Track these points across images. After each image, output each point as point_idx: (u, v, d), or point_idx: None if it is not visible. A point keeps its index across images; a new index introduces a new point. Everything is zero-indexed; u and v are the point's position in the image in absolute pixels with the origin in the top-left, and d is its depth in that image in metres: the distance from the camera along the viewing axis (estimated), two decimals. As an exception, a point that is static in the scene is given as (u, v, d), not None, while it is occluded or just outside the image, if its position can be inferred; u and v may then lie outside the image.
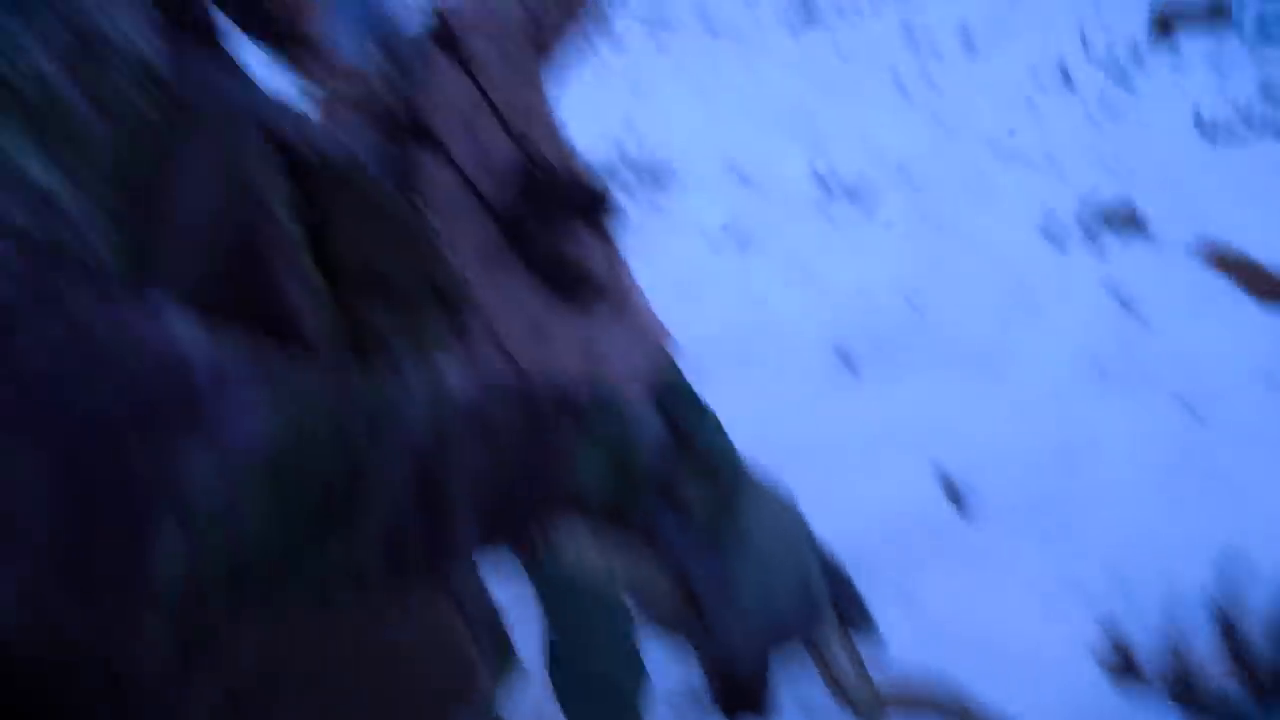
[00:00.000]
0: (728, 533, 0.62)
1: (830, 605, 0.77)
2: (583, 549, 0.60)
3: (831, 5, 11.03)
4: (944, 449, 3.08)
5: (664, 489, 0.58)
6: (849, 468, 3.04)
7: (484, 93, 1.50)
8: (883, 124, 6.88)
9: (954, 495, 3.06)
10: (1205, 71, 7.10)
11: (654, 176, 6.31)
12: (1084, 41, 8.10)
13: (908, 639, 2.23)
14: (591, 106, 7.70)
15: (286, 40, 0.86)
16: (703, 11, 10.80)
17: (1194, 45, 7.81)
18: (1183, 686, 2.33)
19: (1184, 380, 3.43)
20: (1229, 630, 2.37)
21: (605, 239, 1.68)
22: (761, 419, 3.15)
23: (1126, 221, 4.77)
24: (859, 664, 1.04)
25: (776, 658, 0.68)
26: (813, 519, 0.72)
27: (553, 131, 1.64)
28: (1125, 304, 3.94)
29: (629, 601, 0.66)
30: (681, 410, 1.48)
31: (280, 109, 0.60)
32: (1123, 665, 2.37)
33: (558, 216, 1.53)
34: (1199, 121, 6.04)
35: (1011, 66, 7.89)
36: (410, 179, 1.40)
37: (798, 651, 0.71)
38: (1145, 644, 2.45)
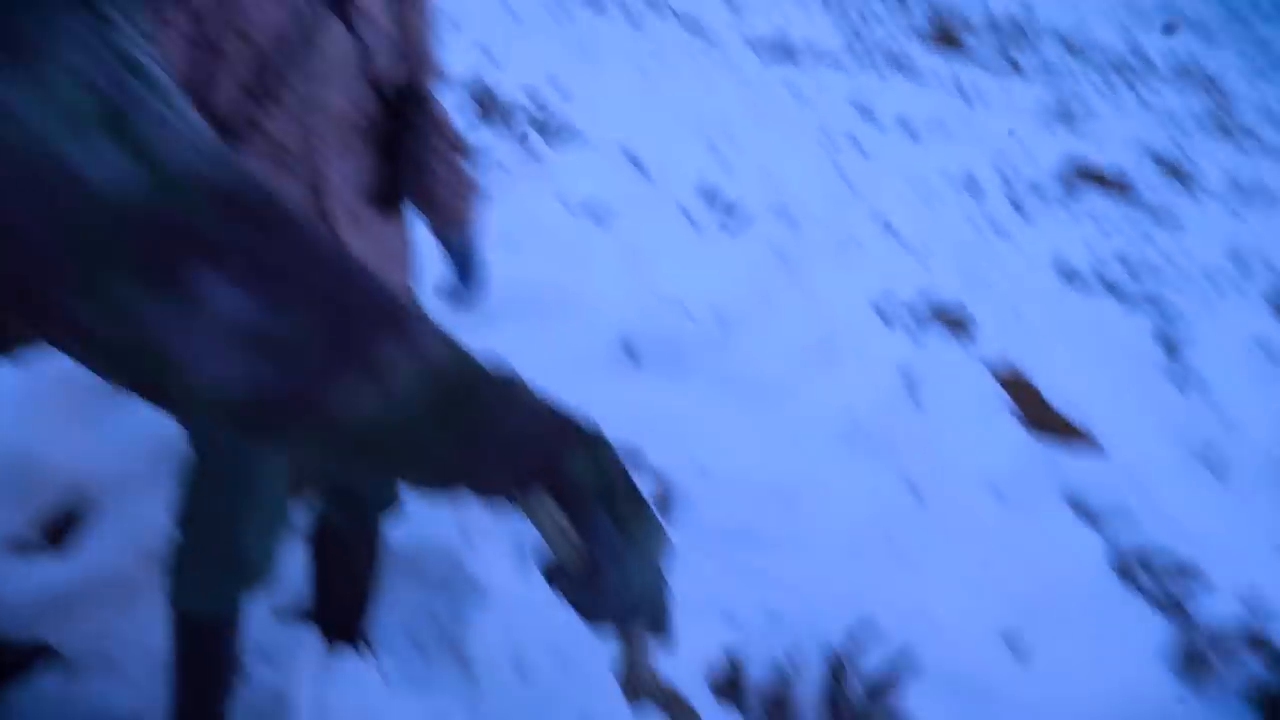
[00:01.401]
0: (637, 545, 0.79)
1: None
2: (549, 508, 0.76)
3: (810, 51, 11.37)
4: (670, 453, 3.17)
5: (612, 501, 0.76)
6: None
7: None
8: (792, 167, 7.07)
9: (663, 502, 3.14)
10: (1090, 226, 7.60)
11: (552, 130, 6.30)
12: (1006, 169, 8.55)
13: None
14: (535, 53, 7.71)
15: None
16: (689, 10, 10.94)
17: (1097, 202, 8.36)
18: (775, 716, 2.45)
19: (924, 467, 3.63)
20: (837, 677, 2.51)
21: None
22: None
23: (953, 323, 5.03)
24: (651, 655, 1.13)
25: (611, 623, 0.86)
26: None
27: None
28: (910, 387, 4.14)
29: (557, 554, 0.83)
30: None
31: None
32: (728, 686, 2.47)
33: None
34: (1061, 265, 6.45)
35: (934, 162, 8.25)
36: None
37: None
38: (758, 675, 2.57)
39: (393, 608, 2.48)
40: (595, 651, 2.39)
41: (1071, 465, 4.32)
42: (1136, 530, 4.26)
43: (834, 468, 3.46)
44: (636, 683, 1.16)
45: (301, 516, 2.19)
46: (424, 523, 2.59)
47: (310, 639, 2.21)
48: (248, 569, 1.72)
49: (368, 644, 2.35)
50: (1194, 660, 3.64)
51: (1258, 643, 3.78)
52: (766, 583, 2.95)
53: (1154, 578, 4.09)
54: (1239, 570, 4.41)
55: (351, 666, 2.20)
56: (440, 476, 0.75)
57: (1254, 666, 3.67)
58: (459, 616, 2.42)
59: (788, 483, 3.28)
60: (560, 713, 2.28)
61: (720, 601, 2.82)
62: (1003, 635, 3.17)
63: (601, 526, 0.78)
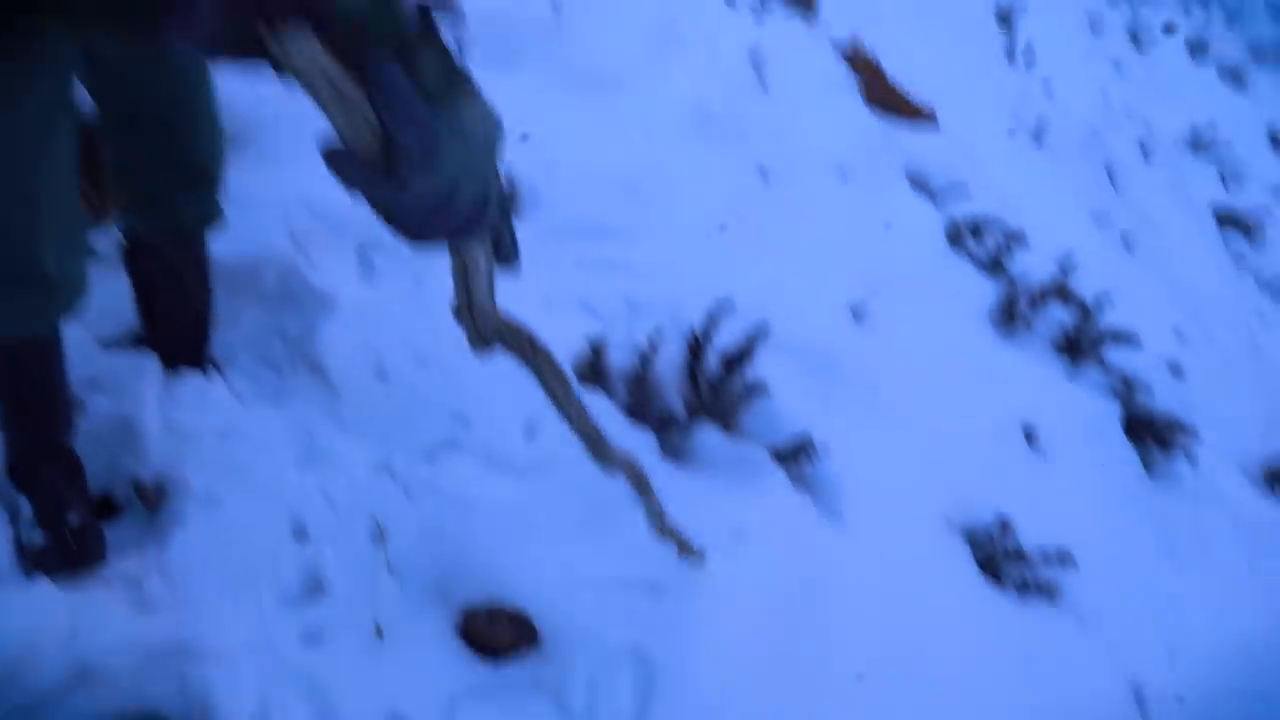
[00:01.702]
0: (445, 112, 0.67)
1: (491, 224, 0.86)
2: (313, 46, 0.61)
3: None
4: (510, 149, 3.01)
5: (405, 48, 0.64)
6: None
7: None
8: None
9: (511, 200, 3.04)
10: None
11: None
12: None
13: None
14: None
15: None
16: None
17: None
18: (637, 394, 2.56)
19: (773, 149, 3.63)
20: (695, 353, 2.62)
21: None
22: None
23: (798, 1, 4.84)
24: (492, 291, 1.00)
25: (435, 239, 0.79)
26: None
27: None
28: (757, 69, 4.04)
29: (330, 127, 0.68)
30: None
31: None
32: (590, 371, 2.53)
33: None
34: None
35: None
36: None
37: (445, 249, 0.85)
38: (620, 359, 2.64)
39: (236, 328, 2.37)
40: (459, 350, 2.38)
41: (912, 142, 4.45)
42: (968, 201, 4.51)
43: (683, 155, 3.42)
44: (476, 323, 1.07)
45: (112, 240, 2.00)
46: (254, 236, 2.42)
47: (148, 365, 2.09)
48: (51, 285, 1.55)
49: (214, 365, 2.26)
50: (1010, 313, 4.03)
51: (1063, 294, 4.20)
52: (623, 272, 2.98)
53: (981, 244, 4.40)
54: (1054, 233, 4.82)
55: (199, 388, 2.12)
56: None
57: (1060, 315, 4.10)
58: (308, 329, 2.33)
59: (637, 173, 3.23)
60: (427, 414, 2.29)
61: (578, 294, 2.84)
62: (849, 306, 3.38)
63: (389, 80, 0.65)
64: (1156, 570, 3.16)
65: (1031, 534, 2.73)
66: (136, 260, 1.96)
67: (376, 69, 0.64)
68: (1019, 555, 2.70)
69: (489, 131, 0.76)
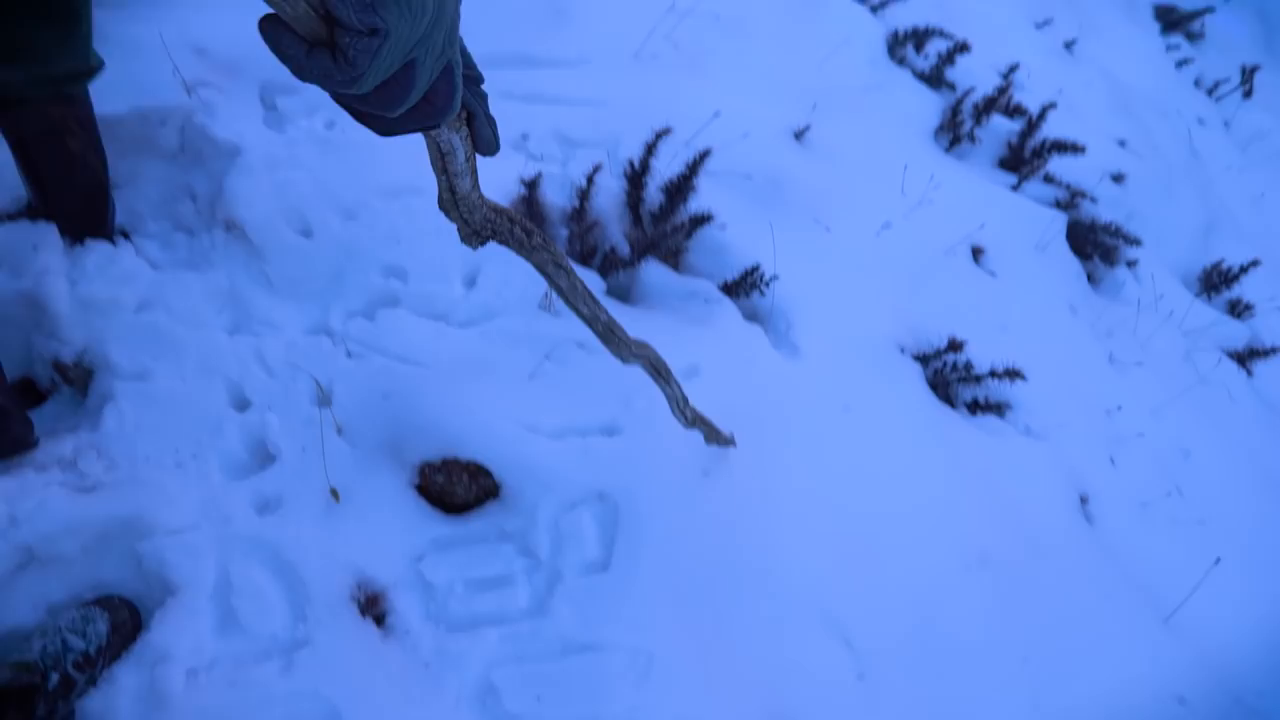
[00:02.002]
0: None
1: (462, 106, 0.84)
2: None
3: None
4: None
5: None
6: None
7: None
8: None
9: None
10: None
11: None
12: None
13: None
14: None
15: None
16: None
17: None
18: (579, 233, 2.48)
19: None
20: (635, 182, 2.53)
21: None
22: None
23: None
24: (475, 180, 0.97)
25: (407, 128, 0.76)
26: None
27: None
28: None
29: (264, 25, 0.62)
30: None
31: None
32: (526, 210, 2.44)
33: None
34: None
35: None
36: None
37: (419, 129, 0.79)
38: (558, 199, 2.54)
39: (139, 191, 2.22)
40: (386, 196, 2.27)
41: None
42: (908, 13, 4.35)
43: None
44: (464, 215, 1.02)
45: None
46: (142, 88, 2.23)
47: (47, 237, 1.95)
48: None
49: (120, 233, 2.12)
50: (955, 127, 3.97)
51: (1007, 105, 4.14)
52: (555, 106, 2.84)
53: (923, 55, 4.28)
54: (996, 43, 4.70)
55: (107, 258, 1.99)
56: None
57: (1004, 126, 4.05)
58: (217, 186, 2.19)
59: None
60: (361, 270, 2.20)
61: (509, 132, 2.70)
62: (791, 129, 3.28)
63: None
64: (1100, 378, 3.27)
65: (982, 352, 2.79)
66: (11, 120, 1.79)
67: None
68: (970, 375, 2.76)
69: (448, 14, 0.69)
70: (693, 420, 1.84)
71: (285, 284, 2.15)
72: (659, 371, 1.64)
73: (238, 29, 2.48)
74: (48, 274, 1.88)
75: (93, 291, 1.91)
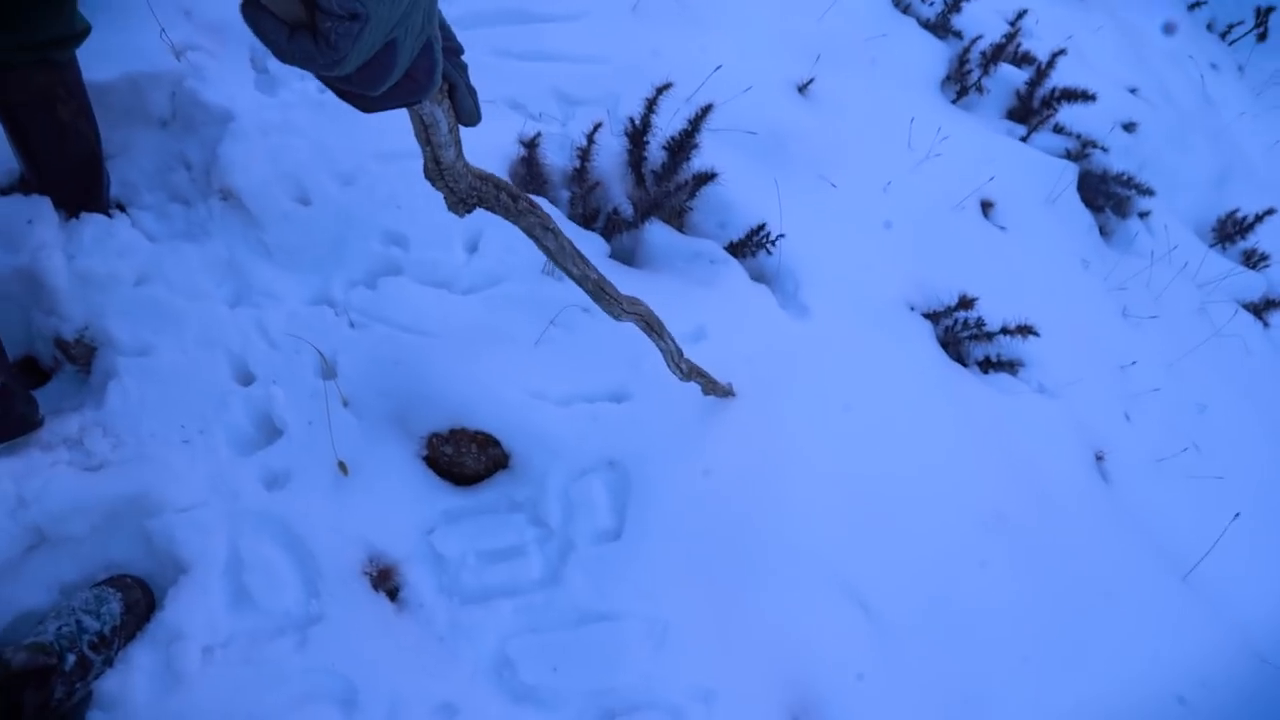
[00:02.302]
0: None
1: (444, 79, 0.88)
2: None
3: None
4: None
5: None
6: None
7: None
8: None
9: None
10: None
11: None
12: None
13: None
14: None
15: None
16: None
17: None
18: (580, 194, 2.45)
19: None
20: (636, 141, 2.50)
21: None
22: None
23: None
24: (459, 149, 1.02)
25: (390, 104, 0.80)
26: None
27: None
28: None
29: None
30: None
31: None
32: (526, 171, 2.41)
33: None
34: None
35: None
36: None
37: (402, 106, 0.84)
38: (559, 160, 2.51)
39: (132, 161, 2.19)
40: (383, 161, 2.24)
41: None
42: (916, -43, 4.26)
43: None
44: (450, 184, 1.05)
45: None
46: (130, 54, 2.19)
47: (42, 210, 1.93)
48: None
49: (115, 205, 2.10)
50: (962, 77, 3.92)
51: (1015, 53, 4.08)
52: (552, 63, 2.79)
53: (930, 3, 4.21)
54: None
55: (103, 231, 1.98)
56: None
57: (1012, 75, 4.00)
58: (211, 154, 2.16)
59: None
60: (361, 238, 2.18)
61: (505, 91, 2.66)
62: (794, 83, 3.24)
63: None
64: (1113, 333, 3.26)
65: (993, 309, 2.77)
66: (1, 90, 1.76)
67: None
68: (982, 332, 2.75)
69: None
70: (689, 373, 1.84)
71: (284, 253, 2.13)
72: (651, 327, 1.64)
73: (226, -10, 2.43)
74: (44, 249, 1.86)
75: (91, 266, 1.90)
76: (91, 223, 1.96)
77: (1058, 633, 2.18)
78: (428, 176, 1.03)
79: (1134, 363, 3.13)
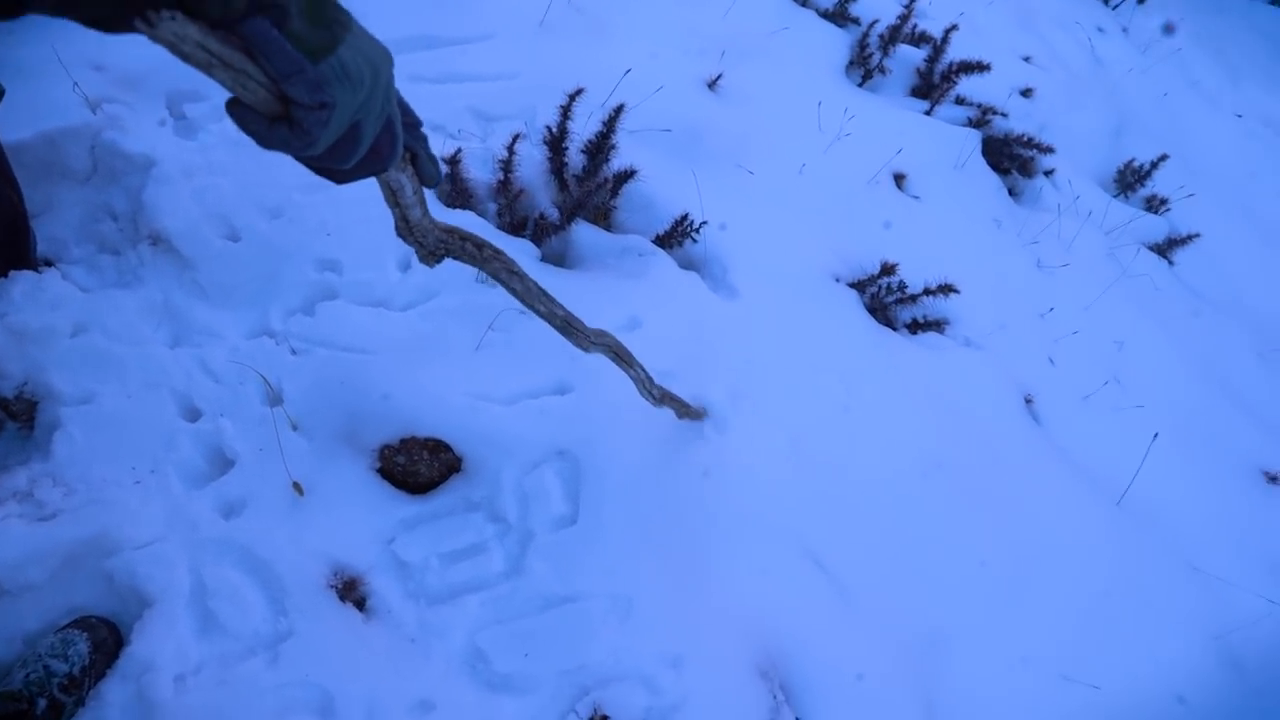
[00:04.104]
0: (327, 59, 0.73)
1: (405, 149, 0.97)
2: (182, 30, 0.64)
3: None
4: None
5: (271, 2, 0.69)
6: None
7: None
8: None
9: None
10: None
11: None
12: None
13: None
14: None
15: None
16: None
17: None
18: (507, 203, 2.48)
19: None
20: (555, 147, 2.53)
21: None
22: None
23: None
24: (424, 208, 1.09)
25: (360, 176, 0.88)
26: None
27: None
28: None
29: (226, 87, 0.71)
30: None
31: None
32: (452, 187, 2.43)
33: None
34: None
35: None
36: None
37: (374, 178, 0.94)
38: (482, 174, 2.53)
39: (56, 216, 2.17)
40: (308, 191, 2.25)
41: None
42: (807, -48, 4.36)
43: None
44: (419, 239, 1.13)
45: None
46: (46, 110, 2.17)
47: (-33, 275, 1.91)
48: None
49: (45, 262, 2.08)
50: (864, 60, 4.02)
51: (912, 33, 4.19)
52: (465, 83, 2.82)
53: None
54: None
55: (33, 288, 1.96)
56: None
57: (911, 54, 4.11)
58: (138, 202, 2.15)
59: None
60: (294, 267, 2.18)
61: (423, 113, 2.68)
62: (703, 80, 3.30)
63: (261, 38, 0.69)
64: (1030, 284, 3.36)
65: (915, 273, 2.85)
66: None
67: (248, 29, 0.68)
68: (906, 295, 2.82)
69: (377, 66, 0.80)
70: (660, 398, 1.89)
71: (219, 291, 2.13)
72: (621, 357, 1.68)
73: (133, 41, 2.42)
74: (-27, 312, 1.84)
75: (24, 321, 1.88)
76: (20, 280, 1.94)
77: (1002, 567, 2.25)
78: (399, 234, 1.11)
79: (1052, 309, 3.24)
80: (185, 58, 0.66)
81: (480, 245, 1.24)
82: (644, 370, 1.77)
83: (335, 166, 0.84)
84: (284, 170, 2.28)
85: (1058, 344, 3.13)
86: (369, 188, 1.31)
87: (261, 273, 2.17)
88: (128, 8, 0.64)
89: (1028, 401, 2.85)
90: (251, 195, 2.24)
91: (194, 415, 1.93)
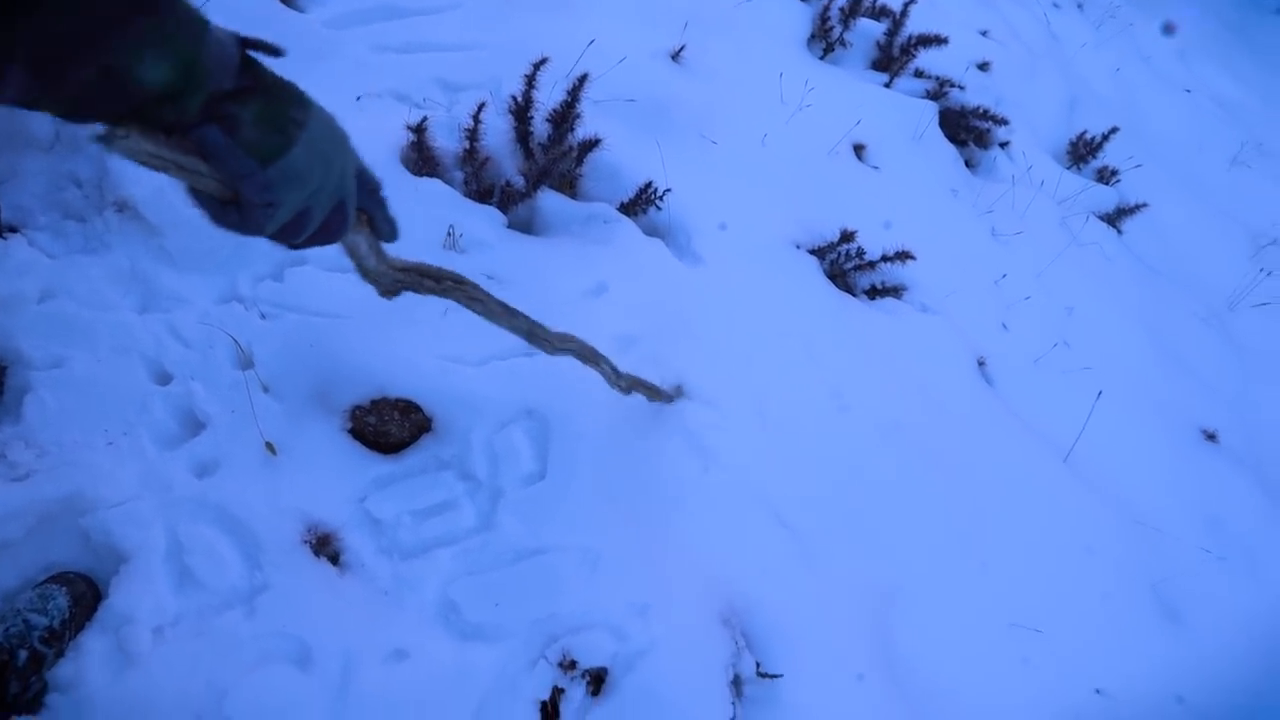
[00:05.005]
0: (276, 162, 0.76)
1: (361, 212, 1.02)
2: (136, 145, 0.68)
3: None
4: None
5: (221, 109, 0.72)
6: None
7: None
8: None
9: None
10: None
11: None
12: None
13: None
14: None
15: None
16: None
17: None
18: (472, 172, 2.50)
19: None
20: (520, 116, 2.55)
21: None
22: None
23: None
24: (381, 258, 1.16)
25: (313, 245, 0.92)
26: None
27: None
28: None
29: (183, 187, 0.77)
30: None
31: None
32: (418, 156, 2.45)
33: None
34: None
35: None
36: None
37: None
38: (449, 143, 2.55)
39: (21, 185, 2.16)
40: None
41: None
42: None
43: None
44: (376, 282, 1.18)
45: None
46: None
47: (-69, 240, 1.90)
48: None
49: (10, 229, 2.07)
50: (825, 32, 4.06)
51: (874, 8, 4.24)
52: (430, 53, 2.82)
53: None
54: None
55: (0, 253, 1.95)
56: None
57: (871, 28, 4.16)
58: (103, 169, 2.15)
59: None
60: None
61: (388, 84, 2.69)
62: (667, 52, 3.33)
63: (212, 144, 0.73)
64: (985, 252, 3.45)
65: (873, 240, 2.91)
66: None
67: (200, 136, 0.72)
68: (865, 262, 2.89)
69: (329, 158, 0.83)
70: (629, 387, 1.93)
71: (187, 257, 2.13)
72: (586, 357, 1.73)
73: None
74: (-63, 276, 1.84)
75: (-12, 287, 1.88)
76: (-15, 245, 1.94)
77: (956, 522, 2.33)
78: (360, 277, 1.18)
79: (1005, 276, 3.33)
80: (141, 164, 0.70)
81: (439, 278, 1.30)
82: (610, 364, 1.82)
83: (284, 243, 0.89)
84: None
85: (1010, 309, 3.22)
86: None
87: (230, 239, 2.17)
88: (93, 120, 0.69)
89: (981, 364, 2.94)
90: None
91: (165, 379, 1.94)
